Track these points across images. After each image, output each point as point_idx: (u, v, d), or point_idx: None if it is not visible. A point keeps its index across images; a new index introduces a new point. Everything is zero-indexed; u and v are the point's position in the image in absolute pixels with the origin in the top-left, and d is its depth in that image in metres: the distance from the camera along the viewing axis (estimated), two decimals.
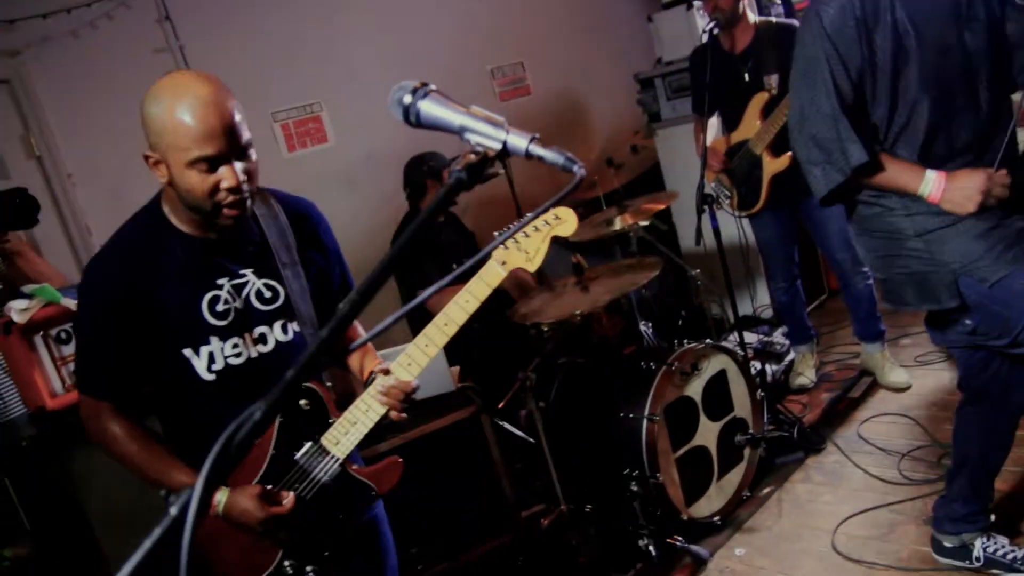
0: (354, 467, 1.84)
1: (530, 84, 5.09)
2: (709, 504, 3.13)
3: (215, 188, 1.62)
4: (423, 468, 3.01)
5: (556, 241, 4.21)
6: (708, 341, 3.24)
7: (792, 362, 4.16)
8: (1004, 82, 2.12)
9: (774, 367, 4.12)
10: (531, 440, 3.29)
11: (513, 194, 3.52)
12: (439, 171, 3.67)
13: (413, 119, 1.11)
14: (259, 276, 1.81)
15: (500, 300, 3.71)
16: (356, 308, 0.97)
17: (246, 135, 1.64)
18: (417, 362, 1.79)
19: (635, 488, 2.98)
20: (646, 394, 2.97)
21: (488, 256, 1.83)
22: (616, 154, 5.26)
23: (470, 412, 3.08)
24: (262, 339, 1.81)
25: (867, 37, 2.04)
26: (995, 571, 2.45)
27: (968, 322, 2.14)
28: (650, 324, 3.82)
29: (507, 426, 3.37)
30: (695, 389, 3.12)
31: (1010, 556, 2.42)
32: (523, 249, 1.87)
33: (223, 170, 1.62)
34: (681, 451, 3.06)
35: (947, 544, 2.54)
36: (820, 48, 2.08)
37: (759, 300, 4.72)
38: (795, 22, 3.69)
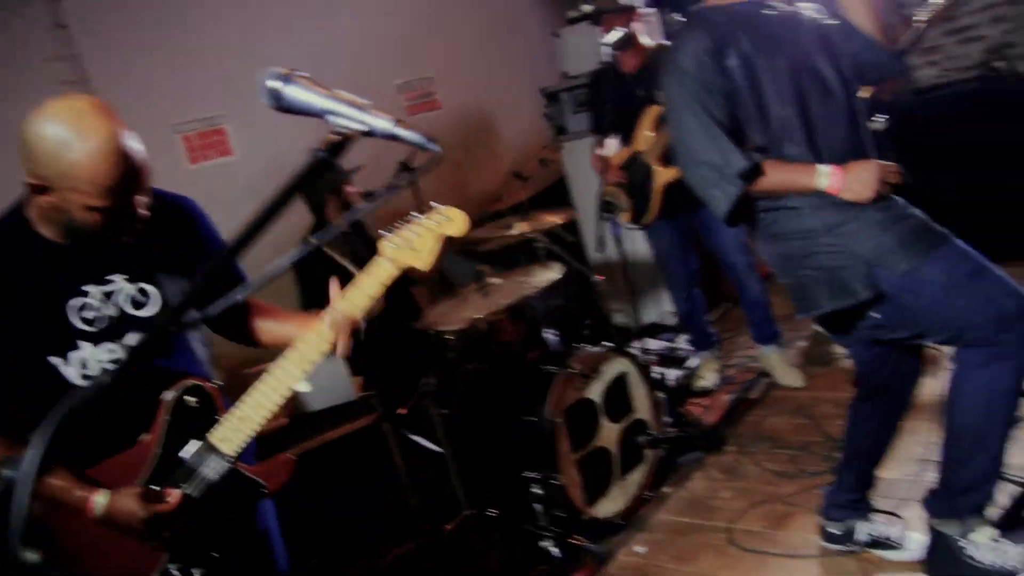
0: (244, 465, 1.82)
1: (439, 98, 5.13)
2: (611, 504, 3.18)
3: (112, 223, 1.62)
4: (325, 478, 3.00)
5: (466, 254, 4.24)
6: (608, 344, 3.30)
7: (695, 366, 4.26)
8: (853, 84, 2.27)
9: (677, 371, 4.23)
10: (433, 448, 3.30)
11: (419, 205, 3.53)
12: (338, 184, 3.67)
13: (280, 103, 1.15)
14: (132, 281, 1.79)
15: (405, 309, 3.72)
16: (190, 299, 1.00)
17: (146, 167, 1.64)
18: (309, 359, 1.79)
19: (537, 490, 3.01)
20: (546, 397, 3.02)
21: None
22: (525, 167, 5.34)
23: (371, 420, 3.07)
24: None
25: (720, 65, 2.18)
26: (878, 551, 2.56)
27: (876, 315, 2.21)
28: (556, 332, 3.87)
29: (411, 436, 3.37)
30: (595, 392, 3.18)
31: (893, 536, 2.54)
32: (414, 247, 1.89)
33: (123, 207, 1.62)
34: (582, 452, 3.10)
35: (834, 531, 2.64)
36: (686, 88, 2.22)
37: (664, 307, 4.82)
38: None
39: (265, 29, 4.38)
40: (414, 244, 1.88)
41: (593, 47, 3.74)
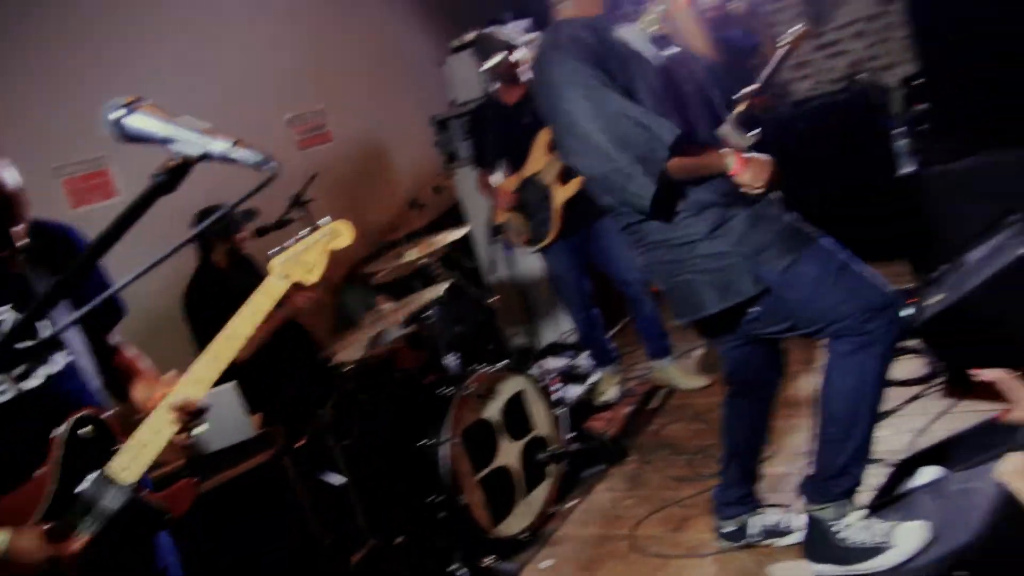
0: (145, 492, 1.79)
1: (331, 131, 5.14)
2: (517, 522, 3.22)
3: None
4: (226, 517, 2.94)
5: (362, 286, 4.21)
6: (503, 364, 3.35)
7: (596, 382, 4.36)
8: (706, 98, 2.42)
9: (579, 388, 4.31)
10: (334, 481, 3.28)
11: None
12: (228, 231, 3.64)
13: (123, 134, 1.17)
14: (19, 310, 1.76)
15: (299, 343, 3.70)
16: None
17: (19, 196, 1.63)
18: (205, 378, 1.78)
19: (442, 514, 3.03)
20: (444, 419, 3.04)
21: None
22: (419, 195, 5.39)
23: (269, 456, 3.04)
24: (27, 375, 1.75)
25: (602, 63, 2.25)
26: (771, 540, 2.68)
27: (754, 310, 2.31)
28: (458, 356, 3.91)
29: (313, 469, 3.34)
30: (493, 411, 3.23)
31: (782, 524, 2.66)
32: (303, 262, 1.92)
33: None
34: (484, 472, 3.14)
35: (729, 529, 2.74)
36: (579, 73, 2.23)
37: (563, 327, 4.92)
38: None
39: (150, 66, 4.31)
40: (303, 259, 1.91)
41: (478, 74, 3.84)
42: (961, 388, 3.31)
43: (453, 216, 5.16)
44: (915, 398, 3.40)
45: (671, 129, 2.16)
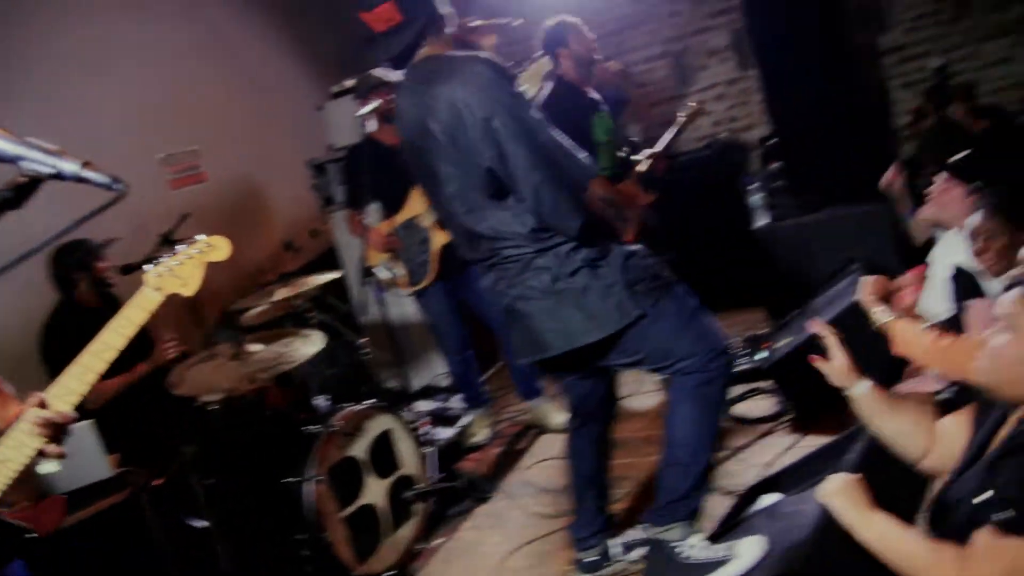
0: (5, 511, 1.73)
1: (205, 171, 5.08)
2: (382, 560, 3.21)
3: None
4: (81, 559, 2.83)
5: (230, 325, 4.15)
6: (371, 402, 3.37)
7: (467, 424, 4.40)
8: None
9: (449, 430, 4.34)
10: (194, 522, 3.20)
11: None
12: (87, 261, 3.55)
13: None
14: None
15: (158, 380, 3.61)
16: None
17: None
18: (75, 391, 1.75)
19: (305, 553, 2.99)
20: (310, 457, 3.03)
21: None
22: (295, 239, 5.38)
23: (126, 495, 2.94)
24: None
25: None
26: (633, 553, 2.80)
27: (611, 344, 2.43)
28: (328, 397, 3.89)
29: (182, 514, 3.25)
30: (360, 449, 3.23)
31: (639, 539, 2.78)
32: (178, 275, 1.92)
33: None
34: (349, 510, 3.13)
35: (591, 559, 2.83)
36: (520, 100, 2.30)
37: (436, 369, 4.96)
38: None
39: (22, 102, 4.17)
40: (178, 272, 1.91)
41: (356, 117, 3.87)
42: (806, 424, 3.53)
43: (328, 260, 5.16)
44: (765, 435, 3.61)
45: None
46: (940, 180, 3.30)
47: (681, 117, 4.16)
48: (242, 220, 5.25)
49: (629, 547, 2.82)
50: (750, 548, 2.32)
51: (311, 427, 3.18)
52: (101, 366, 1.78)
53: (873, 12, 5.75)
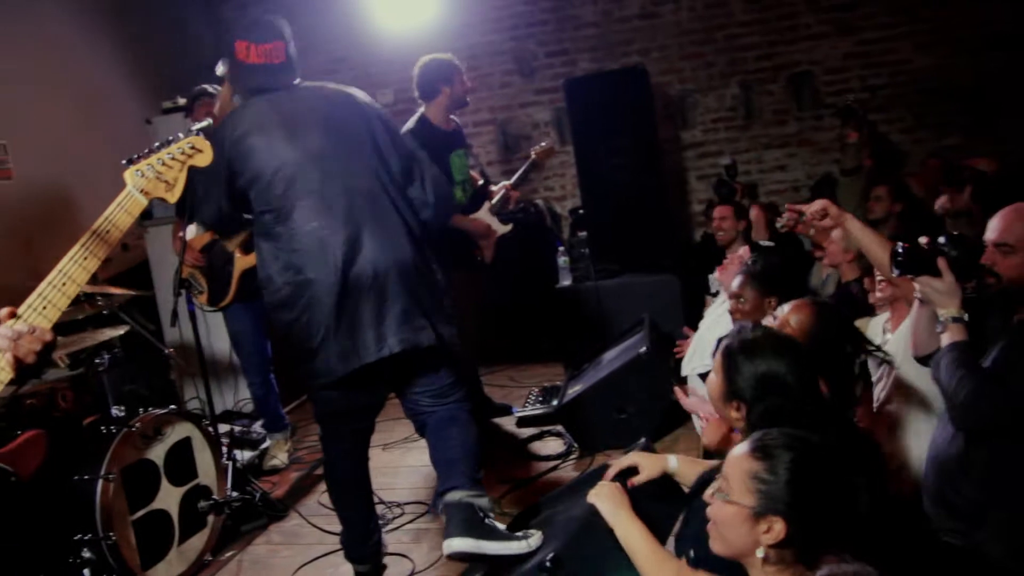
0: None
1: (12, 168, 4.86)
2: (168, 568, 3.18)
3: None
4: None
5: None
6: (172, 407, 3.36)
7: (267, 448, 4.42)
8: None
9: (250, 452, 4.34)
10: None
11: None
12: None
13: None
14: None
15: None
16: None
17: None
18: (56, 305, 1.63)
19: (86, 554, 2.92)
20: (103, 455, 2.98)
21: None
22: None
23: None
24: None
25: None
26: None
27: None
28: (122, 409, 3.80)
29: None
30: (157, 453, 3.21)
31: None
32: (164, 179, 1.84)
33: None
34: (139, 513, 3.09)
35: (364, 570, 2.95)
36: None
37: (241, 394, 4.94)
38: None
39: None
40: (166, 175, 1.83)
41: (188, 131, 3.88)
42: (589, 460, 3.87)
43: (140, 275, 5.05)
44: (552, 469, 3.91)
45: None
46: (740, 253, 3.90)
47: (533, 154, 4.57)
48: (48, 223, 5.04)
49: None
50: (535, 537, 2.50)
51: (109, 427, 3.12)
52: (83, 276, 1.68)
53: (678, 110, 6.46)
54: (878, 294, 2.87)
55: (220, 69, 2.84)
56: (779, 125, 6.31)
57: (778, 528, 1.52)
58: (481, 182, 4.52)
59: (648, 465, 2.27)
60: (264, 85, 2.70)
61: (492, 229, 4.27)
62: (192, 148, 1.89)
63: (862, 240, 2.48)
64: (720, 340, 2.11)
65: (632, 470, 2.26)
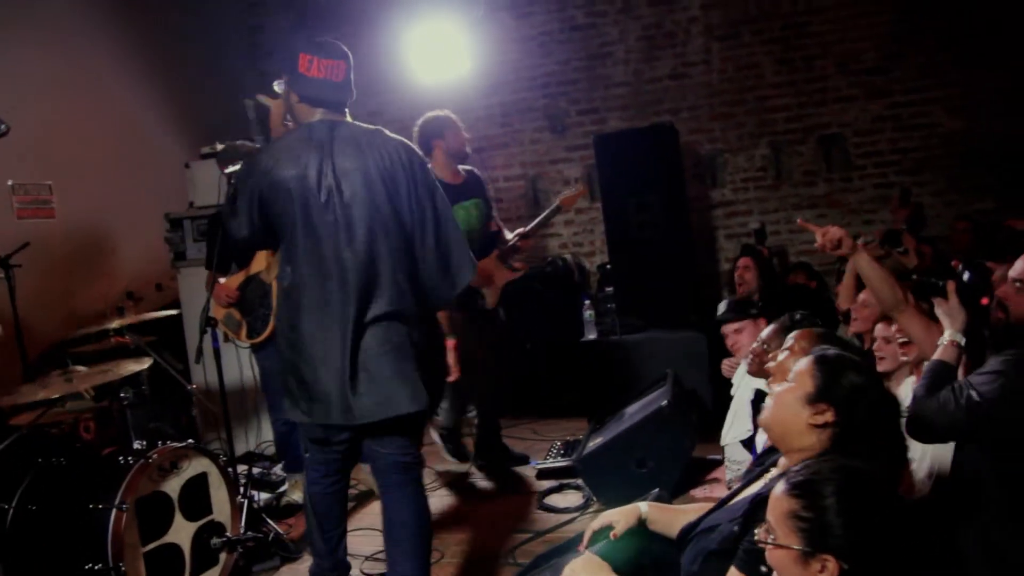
0: None
1: (56, 208, 5.02)
2: None
3: None
4: None
5: (56, 356, 4.07)
6: (191, 441, 3.38)
7: (286, 488, 4.41)
8: None
9: (268, 494, 4.33)
10: None
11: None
12: None
13: None
14: None
15: None
16: None
17: None
18: None
19: None
20: (119, 485, 3.00)
21: None
22: (139, 289, 5.34)
23: None
24: None
25: None
26: None
27: None
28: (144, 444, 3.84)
29: None
30: (173, 487, 3.22)
31: None
32: None
33: None
34: (151, 546, 3.09)
35: None
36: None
37: (263, 436, 4.95)
38: None
39: None
40: None
41: (220, 176, 3.96)
42: None
43: (171, 317, 5.13)
44: (569, 522, 3.85)
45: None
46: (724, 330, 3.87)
47: (558, 201, 4.59)
48: (86, 261, 5.18)
49: None
50: None
51: (126, 458, 3.15)
52: None
53: (708, 168, 6.51)
54: (903, 358, 2.82)
55: (278, 87, 2.90)
56: (809, 186, 6.32)
57: (831, 567, 1.45)
58: (495, 229, 4.56)
59: (622, 517, 2.26)
60: (323, 98, 2.76)
61: (495, 277, 4.30)
62: None
63: (871, 276, 2.52)
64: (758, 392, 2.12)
65: (608, 528, 2.25)
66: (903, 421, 2.28)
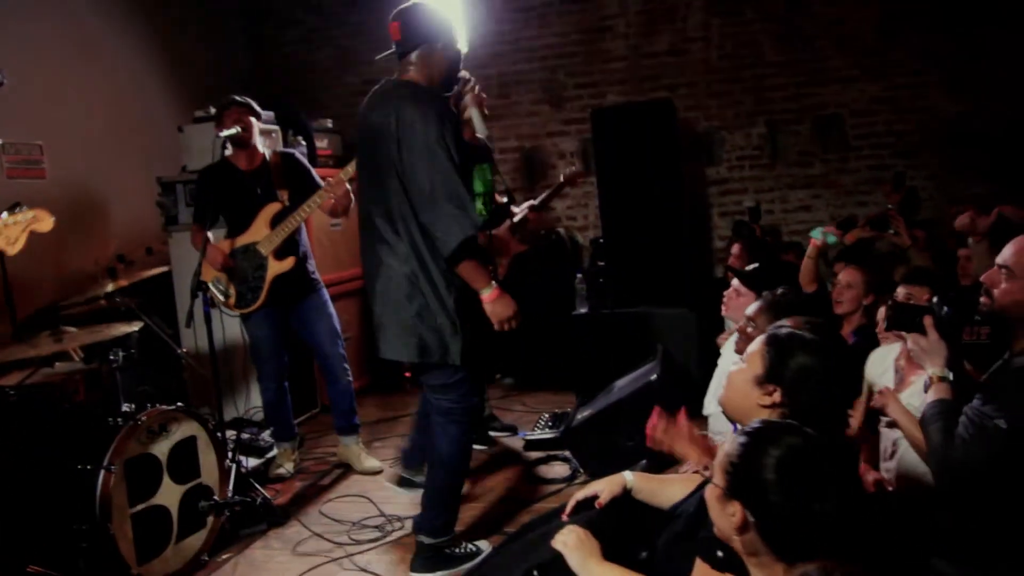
0: None
1: (46, 168, 4.98)
2: (164, 565, 3.17)
3: None
4: None
5: (48, 317, 4.06)
6: (180, 404, 3.38)
7: (274, 456, 4.43)
8: None
9: (256, 460, 4.35)
10: None
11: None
12: None
13: None
14: None
15: None
16: None
17: None
18: None
19: (83, 543, 2.93)
20: (107, 446, 3.01)
21: None
22: (130, 253, 5.32)
23: None
24: None
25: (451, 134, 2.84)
26: (465, 565, 3.17)
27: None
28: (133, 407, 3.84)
29: None
30: (161, 449, 3.23)
31: (471, 548, 3.27)
32: (4, 236, 2.09)
33: None
34: (138, 507, 3.10)
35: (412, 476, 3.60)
36: (446, 132, 2.79)
37: (252, 402, 4.96)
38: (295, 152, 4.31)
39: None
40: (6, 233, 2.06)
41: (215, 138, 3.93)
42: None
43: (163, 278, 5.12)
44: (556, 492, 3.88)
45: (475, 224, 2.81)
46: (732, 285, 3.82)
47: (562, 177, 4.62)
48: (77, 224, 5.15)
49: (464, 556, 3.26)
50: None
51: (115, 420, 3.15)
52: None
53: (704, 146, 6.49)
54: (900, 361, 2.85)
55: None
56: (804, 166, 6.32)
57: (738, 514, 1.53)
58: (505, 200, 4.56)
59: (606, 487, 2.29)
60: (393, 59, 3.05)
61: (510, 247, 4.30)
62: (34, 218, 2.28)
63: (900, 420, 2.43)
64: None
65: (593, 497, 2.27)
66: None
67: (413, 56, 2.96)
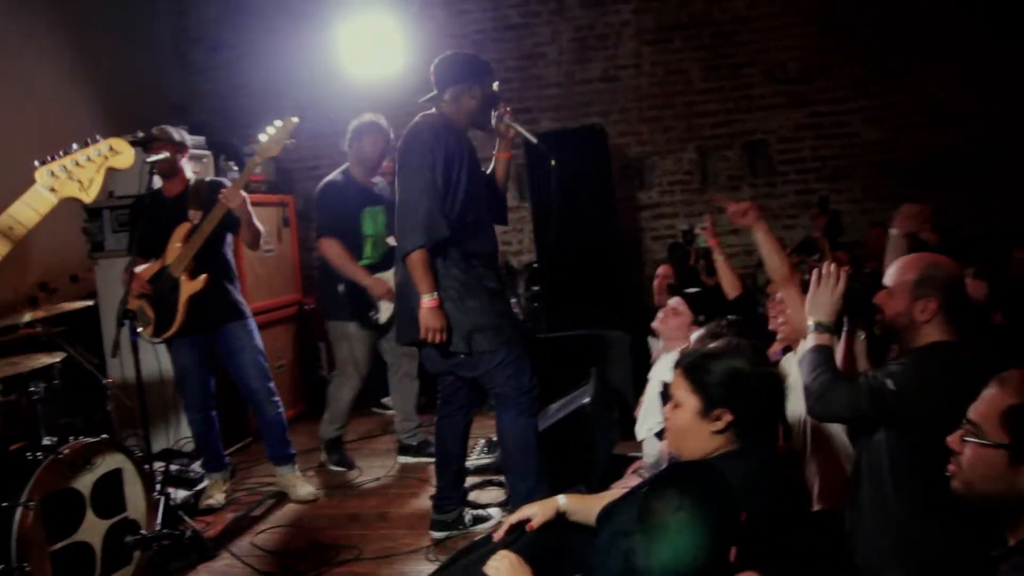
0: None
1: None
2: None
3: None
4: None
5: None
6: (105, 436, 3.29)
7: (204, 487, 4.32)
8: None
9: (186, 492, 4.24)
10: None
11: None
12: None
13: None
14: None
15: None
16: None
17: None
18: None
19: None
20: (26, 482, 2.90)
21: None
22: (53, 281, 5.16)
23: None
24: None
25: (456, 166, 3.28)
26: (477, 527, 3.66)
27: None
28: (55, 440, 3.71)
29: None
30: (85, 483, 3.12)
31: (483, 512, 3.77)
32: (76, 178, 1.80)
33: None
34: (59, 545, 2.99)
35: (445, 519, 3.65)
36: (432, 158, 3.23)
37: (182, 433, 4.84)
38: (223, 180, 4.25)
39: None
40: (78, 175, 1.77)
41: (140, 171, 3.84)
42: None
43: (87, 309, 4.97)
44: (490, 517, 3.87)
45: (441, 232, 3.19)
46: (671, 303, 3.89)
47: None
48: None
49: (476, 520, 3.73)
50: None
51: (35, 454, 3.05)
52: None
53: (636, 171, 6.60)
54: (780, 321, 3.04)
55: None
56: (734, 190, 6.47)
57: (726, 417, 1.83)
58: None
59: (539, 510, 2.31)
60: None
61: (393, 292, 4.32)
62: (111, 150, 1.89)
63: (765, 247, 2.99)
64: (666, 386, 2.19)
65: (525, 521, 2.28)
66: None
67: (446, 95, 3.46)
